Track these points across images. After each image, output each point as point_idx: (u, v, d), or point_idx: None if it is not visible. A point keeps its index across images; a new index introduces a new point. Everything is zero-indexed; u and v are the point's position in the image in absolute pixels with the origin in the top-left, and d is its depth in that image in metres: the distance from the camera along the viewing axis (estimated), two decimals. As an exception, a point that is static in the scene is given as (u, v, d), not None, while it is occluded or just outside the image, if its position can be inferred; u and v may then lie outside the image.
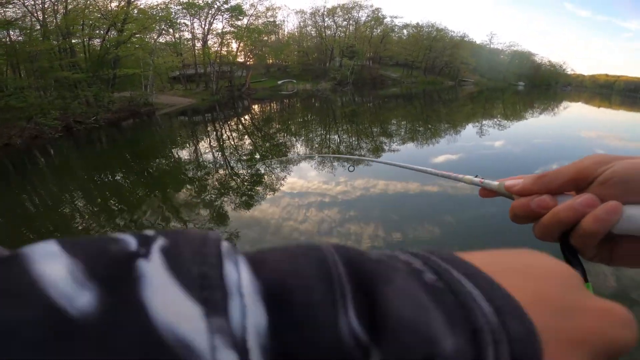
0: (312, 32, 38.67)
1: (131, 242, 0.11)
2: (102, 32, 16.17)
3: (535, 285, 0.16)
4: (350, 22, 38.66)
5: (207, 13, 25.10)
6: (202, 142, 10.39)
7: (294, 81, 33.57)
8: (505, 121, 14.81)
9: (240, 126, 13.49)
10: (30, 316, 0.08)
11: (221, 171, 6.89)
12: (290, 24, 55.91)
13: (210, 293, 0.10)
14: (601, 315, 0.17)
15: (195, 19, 25.31)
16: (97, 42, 16.29)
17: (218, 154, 8.49)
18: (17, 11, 12.63)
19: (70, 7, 14.76)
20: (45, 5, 13.86)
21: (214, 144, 10.07)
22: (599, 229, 0.26)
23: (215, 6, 24.71)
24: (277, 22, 33.05)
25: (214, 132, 12.10)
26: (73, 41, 15.20)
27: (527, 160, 7.03)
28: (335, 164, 6.74)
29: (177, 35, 24.67)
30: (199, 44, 26.06)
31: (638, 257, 0.28)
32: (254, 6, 26.80)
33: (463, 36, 48.92)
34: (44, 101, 11.30)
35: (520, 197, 0.31)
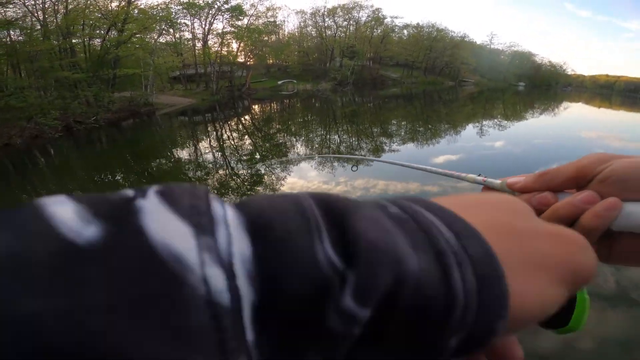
0: (313, 32, 38.71)
1: (129, 191, 0.12)
2: (102, 32, 16.18)
3: (489, 214, 0.17)
4: (351, 22, 38.68)
5: (208, 13, 25.12)
6: (202, 142, 10.39)
7: (294, 81, 33.56)
8: (506, 121, 14.79)
9: (241, 126, 13.48)
10: (44, 247, 0.10)
11: (221, 171, 6.88)
12: (290, 24, 55.94)
13: (199, 218, 0.11)
14: (554, 239, 0.18)
15: (196, 19, 25.34)
16: (97, 42, 16.29)
17: (218, 154, 8.49)
18: (18, 11, 12.66)
19: (70, 7, 14.77)
20: (46, 5, 13.88)
21: (214, 144, 10.06)
22: (598, 225, 0.26)
23: (216, 6, 24.73)
24: (277, 22, 33.09)
25: (214, 132, 12.09)
26: (73, 41, 15.20)
27: (527, 160, 7.02)
28: (336, 164, 6.73)
29: (177, 35, 24.69)
30: (199, 44, 26.09)
31: (635, 255, 0.28)
32: (255, 6, 26.83)
33: (463, 36, 48.95)
34: (44, 101, 11.30)
35: (522, 194, 0.32)
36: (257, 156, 8.22)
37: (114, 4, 16.63)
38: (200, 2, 24.13)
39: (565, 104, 27.81)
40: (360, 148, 8.80)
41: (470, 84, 50.88)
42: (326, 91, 29.85)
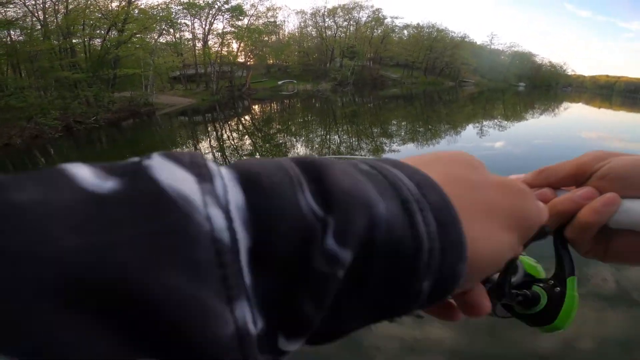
0: (313, 33, 38.71)
1: (138, 158, 0.13)
2: (102, 32, 16.20)
3: (446, 168, 0.19)
4: (351, 22, 38.70)
5: (208, 13, 25.14)
6: (203, 142, 10.40)
7: (295, 81, 33.56)
8: (506, 122, 14.80)
9: (241, 126, 13.49)
10: (72, 196, 0.11)
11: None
12: (290, 24, 55.91)
13: (199, 170, 0.13)
14: (503, 189, 0.19)
15: (196, 19, 25.35)
16: (97, 42, 16.30)
17: (218, 154, 8.49)
18: (18, 11, 12.67)
19: (71, 7, 14.78)
20: (46, 5, 13.89)
21: (214, 144, 10.07)
22: (595, 220, 0.27)
23: (216, 6, 24.74)
24: (277, 23, 33.11)
25: (214, 132, 12.09)
26: (74, 41, 15.22)
27: (527, 161, 7.02)
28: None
29: (177, 35, 24.71)
30: (199, 44, 26.10)
31: (632, 253, 0.28)
32: (255, 6, 26.84)
33: (464, 37, 48.94)
34: (44, 101, 11.31)
35: None
36: (257, 156, 8.22)
37: (114, 4, 16.68)
38: (201, 2, 24.18)
39: (565, 105, 27.81)
40: (361, 148, 8.80)
41: (470, 84, 50.88)
42: (326, 91, 29.85)
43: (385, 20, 40.27)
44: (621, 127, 16.26)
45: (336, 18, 38.12)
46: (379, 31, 40.31)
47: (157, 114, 16.09)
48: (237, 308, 0.12)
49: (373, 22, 39.20)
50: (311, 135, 10.96)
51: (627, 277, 2.91)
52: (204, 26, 25.63)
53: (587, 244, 0.29)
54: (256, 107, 20.30)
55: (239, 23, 26.17)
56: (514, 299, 0.30)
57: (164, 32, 21.35)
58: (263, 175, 0.13)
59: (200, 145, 9.92)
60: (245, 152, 8.58)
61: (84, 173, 0.12)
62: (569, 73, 71.70)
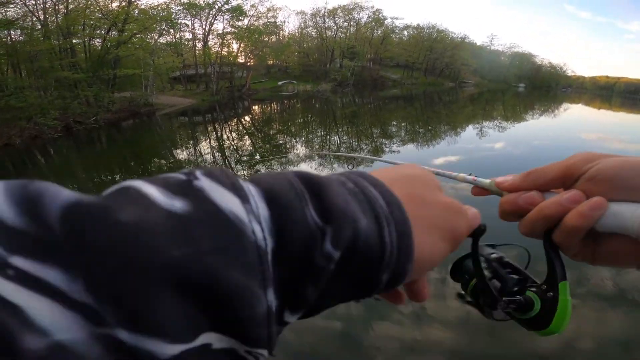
0: (313, 33, 38.75)
1: (181, 175, 0.17)
2: (102, 32, 16.19)
3: (408, 188, 0.24)
4: (351, 23, 38.73)
5: (208, 13, 25.15)
6: (202, 142, 10.39)
7: (295, 82, 33.57)
8: (506, 123, 14.80)
9: (241, 127, 13.49)
10: (159, 215, 0.15)
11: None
12: (290, 25, 55.96)
13: (240, 192, 0.17)
14: (445, 208, 0.24)
15: (196, 20, 25.38)
16: (97, 42, 16.31)
17: (218, 155, 8.49)
18: (19, 11, 12.66)
19: (71, 7, 14.78)
20: (47, 5, 13.89)
21: (214, 144, 10.06)
22: (582, 224, 0.26)
23: (216, 7, 24.76)
24: (277, 23, 33.15)
25: (214, 133, 12.09)
26: (74, 41, 15.22)
27: (527, 161, 7.02)
28: (336, 165, 6.74)
29: (177, 36, 24.75)
30: (199, 45, 26.13)
31: (620, 256, 0.28)
32: (255, 7, 26.90)
33: (464, 37, 48.99)
34: (43, 101, 11.31)
35: (509, 193, 0.31)
36: (257, 157, 8.22)
37: (115, 4, 16.69)
38: (201, 2, 24.18)
39: (565, 105, 27.82)
40: (360, 149, 8.80)
41: (470, 85, 50.91)
42: (326, 92, 29.86)
43: (386, 21, 40.37)
44: (621, 129, 16.27)
45: (336, 19, 38.18)
46: (379, 32, 40.35)
47: (157, 115, 16.09)
48: (268, 293, 0.16)
49: (373, 23, 39.24)
50: (311, 136, 10.96)
51: (627, 278, 2.91)
52: (204, 26, 25.69)
53: (575, 247, 0.29)
54: (256, 108, 20.30)
55: (239, 23, 26.24)
56: (507, 307, 0.30)
57: (164, 32, 21.39)
58: (281, 194, 0.18)
59: (200, 145, 9.91)
60: (246, 153, 8.58)
61: (154, 192, 0.16)
62: (569, 74, 71.82)
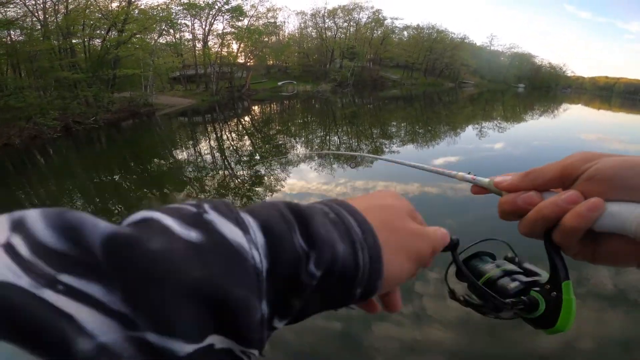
0: (313, 34, 38.76)
1: (191, 207, 0.21)
2: (102, 32, 16.17)
3: (381, 215, 0.27)
4: (351, 23, 38.74)
5: (208, 14, 25.13)
6: (202, 143, 10.38)
7: (294, 82, 33.57)
8: (505, 123, 14.81)
9: (240, 127, 13.48)
10: (180, 245, 0.18)
11: (221, 172, 6.88)
12: (290, 25, 55.97)
13: (242, 225, 0.20)
14: (412, 234, 0.28)
15: (196, 20, 25.36)
16: (97, 42, 16.28)
17: (218, 155, 8.48)
18: (18, 11, 12.64)
19: (71, 7, 14.76)
20: (46, 5, 13.87)
21: (214, 144, 10.06)
22: (580, 225, 0.26)
23: (216, 7, 24.74)
24: (277, 23, 33.16)
25: (214, 133, 12.08)
26: (73, 41, 15.19)
27: (526, 162, 7.03)
28: (335, 165, 6.74)
29: (177, 36, 24.72)
30: (199, 45, 26.11)
31: (620, 256, 0.28)
32: (255, 7, 26.88)
33: (463, 38, 49.02)
34: (43, 101, 11.29)
35: (509, 193, 0.31)
36: (257, 157, 8.22)
37: (114, 4, 16.68)
38: (201, 2, 24.17)
39: (564, 106, 27.84)
40: (360, 150, 8.80)
41: (470, 85, 50.93)
42: (326, 92, 29.86)
43: (385, 22, 40.39)
44: (621, 129, 16.29)
45: (336, 19, 38.20)
46: (379, 32, 40.36)
47: (156, 115, 16.08)
48: (262, 304, 0.20)
49: (373, 23, 39.25)
50: (311, 136, 10.95)
51: (627, 278, 2.91)
52: (204, 27, 25.67)
53: (574, 247, 0.29)
54: (256, 108, 20.30)
55: (239, 24, 26.22)
56: (512, 308, 0.31)
57: (163, 32, 21.37)
58: (274, 225, 0.21)
59: (200, 146, 9.91)
60: (245, 153, 8.58)
61: (172, 224, 0.19)
62: (569, 74, 71.83)
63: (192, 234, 0.19)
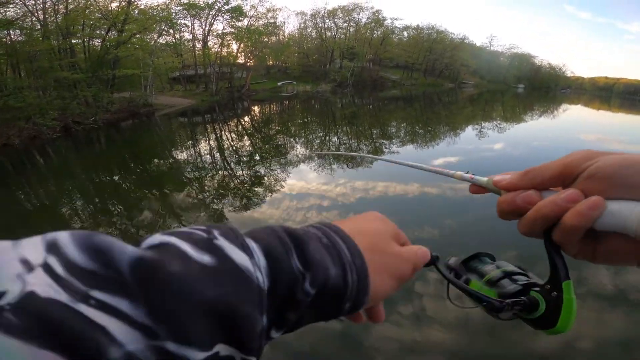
0: (313, 34, 38.78)
1: (202, 233, 0.23)
2: (102, 32, 16.15)
3: (368, 239, 0.30)
4: (351, 23, 38.76)
5: (208, 14, 25.12)
6: (202, 143, 10.37)
7: (294, 83, 33.57)
8: (505, 123, 14.82)
9: (240, 127, 13.48)
10: (196, 268, 0.21)
11: (220, 172, 6.87)
12: (290, 26, 55.99)
13: (248, 250, 0.23)
14: (395, 256, 0.31)
15: (196, 20, 25.35)
16: (97, 42, 16.27)
17: (217, 155, 8.48)
18: (18, 11, 12.62)
19: (71, 7, 14.75)
20: (46, 5, 13.86)
21: (214, 145, 10.05)
22: (580, 224, 0.26)
23: (216, 7, 24.73)
24: (277, 24, 33.16)
25: (214, 134, 12.07)
26: (73, 41, 15.17)
27: (526, 162, 7.01)
28: (335, 165, 6.74)
29: (177, 36, 24.71)
30: (199, 45, 26.09)
31: (621, 255, 0.27)
32: (255, 7, 26.87)
33: (463, 38, 49.06)
34: (42, 101, 11.27)
35: (508, 192, 0.31)
36: (257, 157, 8.22)
37: (114, 4, 16.66)
38: (201, 3, 24.15)
39: (564, 106, 27.86)
40: (360, 150, 8.80)
41: (469, 85, 50.95)
42: (326, 93, 29.87)
43: (385, 22, 40.41)
44: (620, 129, 16.29)
45: (336, 19, 38.22)
46: (379, 32, 40.38)
47: (156, 115, 16.07)
48: (263, 317, 0.23)
49: (373, 24, 39.27)
50: (311, 137, 10.95)
51: (627, 279, 2.91)
52: (203, 27, 25.66)
53: (575, 246, 0.28)
54: (256, 108, 20.30)
55: (239, 24, 26.19)
56: (511, 309, 0.31)
57: (163, 32, 21.34)
58: (274, 249, 0.24)
59: (200, 146, 9.90)
60: (245, 154, 8.58)
61: (187, 249, 0.21)
62: (568, 75, 71.86)
63: (205, 258, 0.21)
